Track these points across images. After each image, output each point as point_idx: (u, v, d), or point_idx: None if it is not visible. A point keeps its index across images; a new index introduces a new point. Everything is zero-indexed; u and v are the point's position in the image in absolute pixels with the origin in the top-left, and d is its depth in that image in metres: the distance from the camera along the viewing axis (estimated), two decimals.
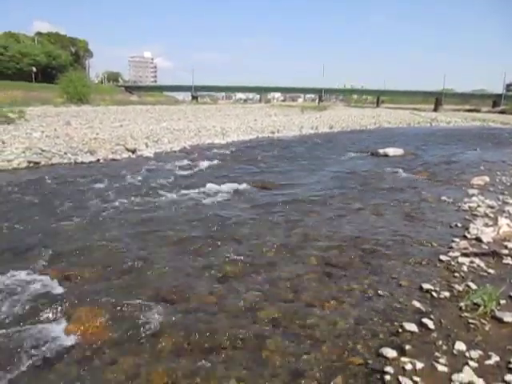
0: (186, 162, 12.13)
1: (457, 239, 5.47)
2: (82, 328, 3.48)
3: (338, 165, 12.31)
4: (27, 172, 10.32)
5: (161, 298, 3.99)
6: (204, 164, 11.79)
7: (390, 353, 3.14)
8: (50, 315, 3.66)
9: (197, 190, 8.32)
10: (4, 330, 3.40)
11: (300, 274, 4.53)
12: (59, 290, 4.09)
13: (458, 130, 30.75)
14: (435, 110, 71.98)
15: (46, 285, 4.17)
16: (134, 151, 13.77)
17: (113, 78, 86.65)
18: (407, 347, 3.21)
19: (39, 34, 64.89)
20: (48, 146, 12.83)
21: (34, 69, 53.12)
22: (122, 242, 5.40)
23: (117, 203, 7.35)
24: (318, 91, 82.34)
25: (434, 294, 4.05)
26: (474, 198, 7.72)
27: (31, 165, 11.11)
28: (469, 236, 5.57)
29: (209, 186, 8.61)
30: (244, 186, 8.73)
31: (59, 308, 3.75)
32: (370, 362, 3.10)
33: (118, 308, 3.77)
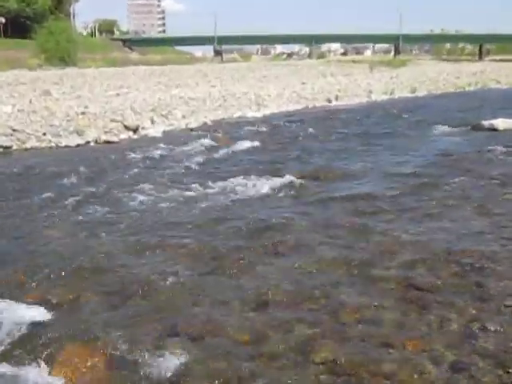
0: (206, 143, 12.31)
1: None
2: (71, 372, 3.59)
3: (423, 145, 12.13)
4: None
5: (177, 333, 4.06)
6: (232, 147, 11.94)
7: None
8: (29, 354, 3.79)
9: (223, 184, 8.43)
10: None
11: (370, 300, 4.49)
12: (43, 319, 4.24)
13: None
14: None
15: (26, 313, 4.32)
16: (135, 130, 14.08)
17: (106, 28, 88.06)
18: None
19: None
20: (21, 125, 13.28)
21: (3, 19, 54.85)
22: (124, 256, 5.53)
23: (114, 203, 7.53)
24: (394, 39, 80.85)
25: None
26: None
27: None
28: None
29: (239, 178, 8.71)
30: (288, 177, 8.74)
31: (41, 345, 3.88)
32: None
33: (120, 346, 3.87)
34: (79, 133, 13.04)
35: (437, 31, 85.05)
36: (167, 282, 4.88)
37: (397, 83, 30.05)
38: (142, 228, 6.49)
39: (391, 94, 25.40)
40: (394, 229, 6.25)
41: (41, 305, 4.48)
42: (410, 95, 25.83)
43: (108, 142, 12.87)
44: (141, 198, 7.78)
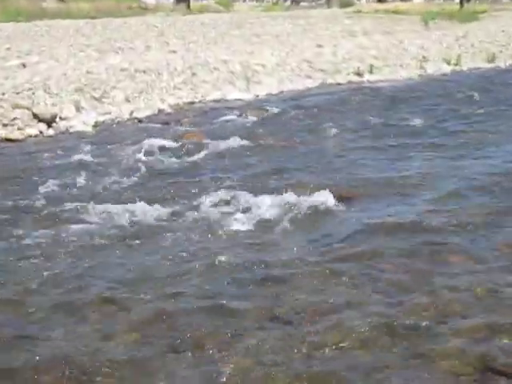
0: (162, 143, 12.24)
1: None
2: None
3: (508, 146, 12.22)
4: None
5: None
6: (203, 148, 11.93)
7: None
8: None
9: (187, 208, 8.45)
10: None
11: None
12: None
13: None
14: None
15: None
16: (51, 121, 13.97)
17: None
18: None
19: None
20: None
21: None
22: (34, 326, 5.53)
23: (17, 245, 7.49)
24: None
25: None
26: None
27: None
28: None
29: (215, 197, 8.70)
30: (294, 195, 8.69)
31: None
32: None
33: None
34: None
35: None
36: (107, 367, 4.87)
37: (465, 47, 30.00)
38: (55, 281, 6.46)
39: (456, 63, 25.26)
40: (463, 276, 6.27)
41: None
42: (485, 66, 25.74)
43: (8, 140, 12.78)
44: (50, 234, 7.71)
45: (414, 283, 6.21)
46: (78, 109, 15.12)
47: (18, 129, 13.33)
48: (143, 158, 11.31)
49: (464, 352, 4.95)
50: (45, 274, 6.53)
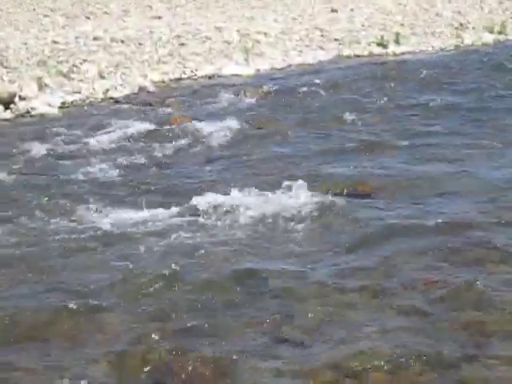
0: (144, 128, 12.23)
1: None
2: None
3: None
4: None
5: None
6: (193, 136, 11.85)
7: None
8: None
9: (176, 210, 8.37)
10: None
11: None
12: None
13: None
14: None
15: None
16: (8, 102, 13.91)
17: None
18: None
19: None
20: None
21: None
22: None
23: None
24: None
25: None
26: None
27: None
28: None
29: (207, 196, 8.61)
30: (306, 190, 8.61)
31: None
32: None
33: None
34: None
35: None
36: None
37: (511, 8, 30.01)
38: None
39: (501, 32, 25.02)
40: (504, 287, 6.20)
41: None
42: None
43: None
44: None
45: (444, 297, 6.12)
46: (41, 86, 14.99)
47: None
48: (119, 149, 11.25)
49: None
50: None
